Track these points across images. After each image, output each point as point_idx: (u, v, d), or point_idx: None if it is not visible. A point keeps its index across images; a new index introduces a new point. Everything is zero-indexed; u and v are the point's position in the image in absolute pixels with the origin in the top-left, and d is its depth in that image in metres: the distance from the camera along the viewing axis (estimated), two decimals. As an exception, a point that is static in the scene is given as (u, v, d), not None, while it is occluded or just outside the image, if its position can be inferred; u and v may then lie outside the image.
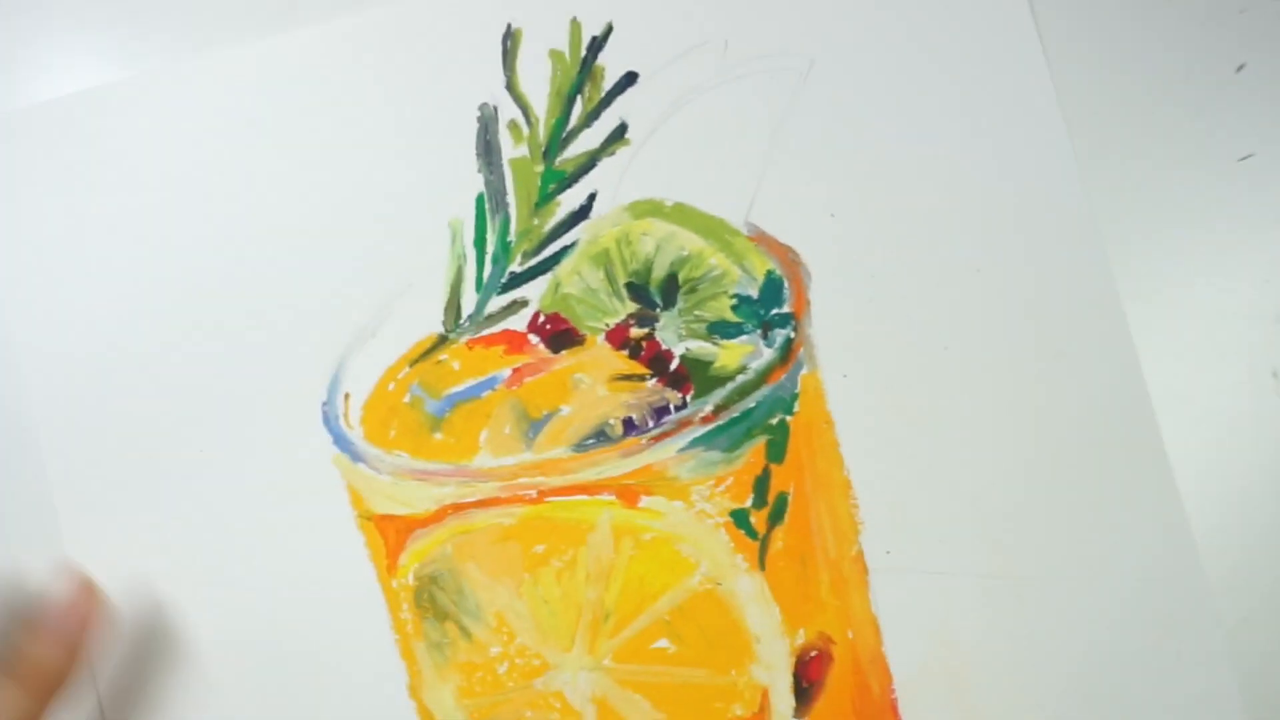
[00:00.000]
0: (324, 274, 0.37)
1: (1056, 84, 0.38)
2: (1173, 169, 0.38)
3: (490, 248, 0.37)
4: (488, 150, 0.37)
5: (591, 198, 0.38)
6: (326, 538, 0.36)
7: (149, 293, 0.37)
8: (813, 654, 0.36)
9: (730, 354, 0.37)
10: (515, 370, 0.37)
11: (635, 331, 0.37)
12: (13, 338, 0.38)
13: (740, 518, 0.36)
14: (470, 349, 0.37)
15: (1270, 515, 0.38)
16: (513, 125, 0.38)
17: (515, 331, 0.37)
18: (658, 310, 0.37)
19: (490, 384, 0.37)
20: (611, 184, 0.38)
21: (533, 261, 0.37)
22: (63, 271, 0.38)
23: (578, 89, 0.38)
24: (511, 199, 0.37)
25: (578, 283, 0.37)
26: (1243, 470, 0.38)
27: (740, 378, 0.36)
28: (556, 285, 0.37)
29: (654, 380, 0.36)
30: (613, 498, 0.36)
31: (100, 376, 0.37)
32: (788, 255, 0.37)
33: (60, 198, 0.38)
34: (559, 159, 0.38)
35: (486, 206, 0.37)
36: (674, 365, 0.37)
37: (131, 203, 0.38)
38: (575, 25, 0.38)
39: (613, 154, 0.38)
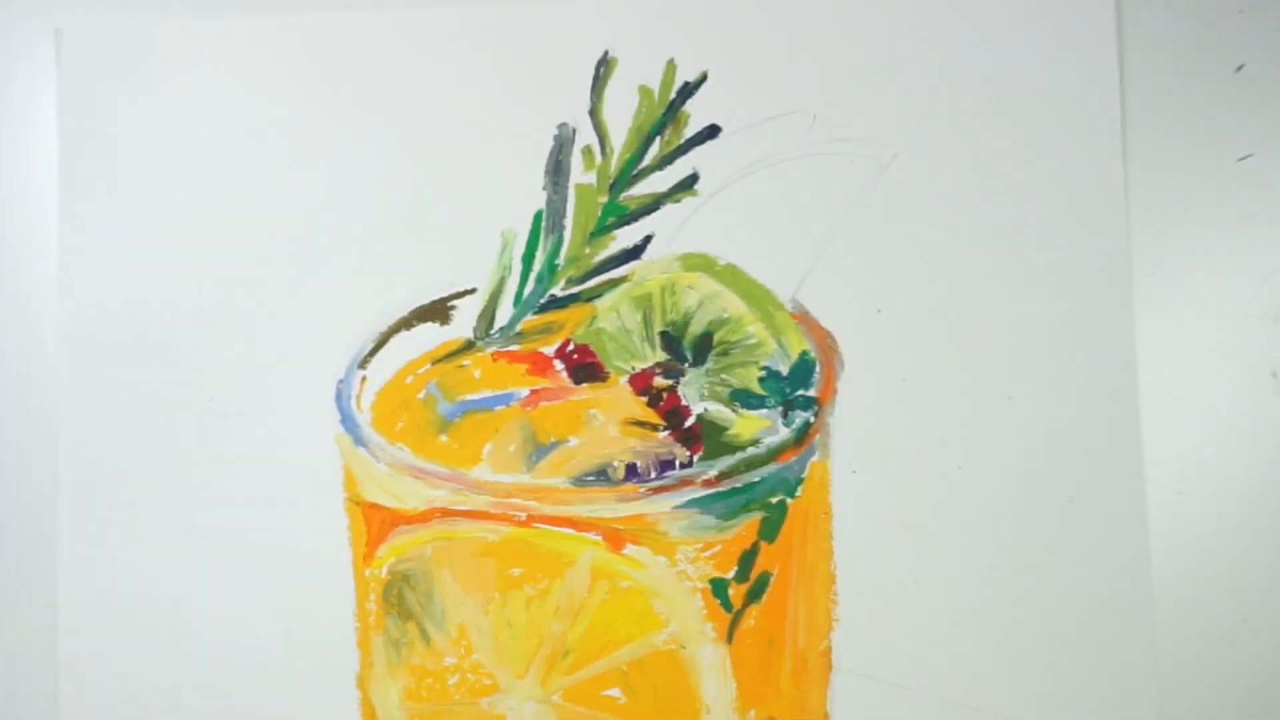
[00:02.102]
0: (366, 256, 0.37)
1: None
2: (1173, 169, 0.38)
3: (537, 266, 0.37)
4: (557, 170, 0.37)
5: (647, 239, 0.37)
6: (313, 513, 0.36)
7: (193, 251, 0.37)
8: (759, 738, 0.36)
9: (747, 424, 0.36)
10: (534, 392, 0.37)
11: (659, 381, 0.37)
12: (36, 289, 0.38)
13: (719, 587, 0.36)
14: (494, 360, 0.37)
15: (1270, 515, 0.37)
16: (586, 151, 0.37)
17: (542, 354, 0.37)
18: (686, 365, 0.37)
19: (506, 399, 0.37)
20: (670, 230, 0.37)
21: (575, 289, 0.37)
22: (116, 238, 0.38)
23: (659, 130, 0.38)
24: (569, 223, 0.37)
25: (614, 320, 0.37)
26: (1242, 470, 0.38)
27: (751, 450, 0.36)
28: (593, 318, 0.37)
29: (666, 433, 0.36)
30: (599, 538, 0.36)
31: (131, 326, 0.37)
32: (826, 340, 0.37)
33: (115, 141, 0.38)
34: (624, 194, 0.37)
35: (543, 225, 0.37)
36: (689, 422, 0.36)
37: (188, 157, 0.38)
38: (671, 67, 0.38)
39: (678, 201, 0.38)
